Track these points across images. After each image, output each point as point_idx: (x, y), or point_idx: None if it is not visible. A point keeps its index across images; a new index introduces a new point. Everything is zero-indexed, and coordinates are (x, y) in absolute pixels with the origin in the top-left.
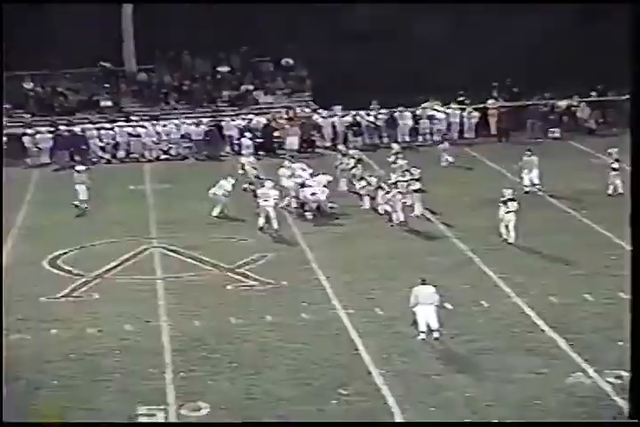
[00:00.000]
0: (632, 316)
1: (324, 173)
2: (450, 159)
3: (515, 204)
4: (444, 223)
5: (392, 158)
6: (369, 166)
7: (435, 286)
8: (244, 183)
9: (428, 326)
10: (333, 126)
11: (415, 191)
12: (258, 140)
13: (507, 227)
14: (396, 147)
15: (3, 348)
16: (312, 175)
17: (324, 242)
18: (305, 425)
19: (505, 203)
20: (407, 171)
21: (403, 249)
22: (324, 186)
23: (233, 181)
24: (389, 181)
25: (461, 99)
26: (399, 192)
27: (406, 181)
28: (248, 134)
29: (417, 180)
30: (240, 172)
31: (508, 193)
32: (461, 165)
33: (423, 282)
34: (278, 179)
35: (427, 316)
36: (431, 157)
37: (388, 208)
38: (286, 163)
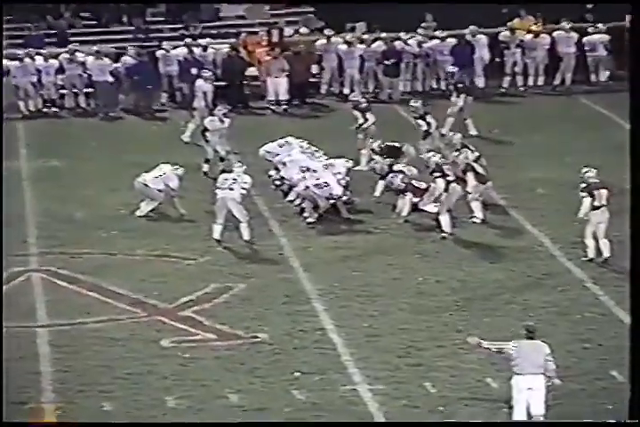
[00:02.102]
0: (632, 315)
1: (340, 157)
2: (473, 131)
3: (604, 193)
4: (541, 232)
5: (422, 126)
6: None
7: (549, 343)
8: (204, 165)
9: (529, 413)
10: (351, 59)
11: (480, 181)
12: (217, 82)
13: (593, 235)
14: (417, 105)
15: (2, 347)
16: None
17: (331, 264)
18: (305, 425)
19: (589, 192)
20: (464, 147)
21: (467, 277)
22: (340, 175)
23: (181, 173)
24: (430, 165)
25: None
26: (448, 181)
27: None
28: (206, 73)
29: (475, 161)
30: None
31: (589, 175)
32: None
33: (529, 334)
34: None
35: (530, 395)
36: (512, 116)
37: (436, 209)
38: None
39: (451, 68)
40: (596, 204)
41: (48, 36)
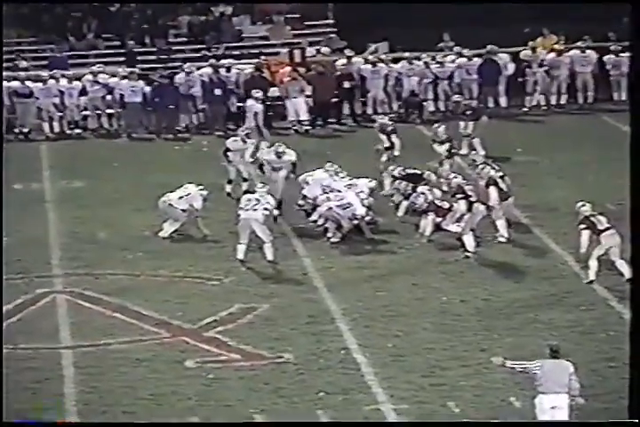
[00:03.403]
0: (632, 314)
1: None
2: (479, 149)
3: (602, 218)
4: (564, 251)
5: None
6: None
7: (573, 362)
8: (227, 185)
9: None
10: (374, 79)
11: (502, 198)
12: (239, 103)
13: (599, 257)
14: (440, 131)
15: (2, 350)
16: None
17: (355, 284)
18: (305, 425)
19: (587, 223)
20: (486, 164)
21: (491, 296)
22: (364, 194)
23: (206, 193)
24: (452, 186)
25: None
26: (470, 202)
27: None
28: (258, 93)
29: (500, 179)
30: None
31: (584, 209)
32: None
33: (554, 353)
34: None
35: (554, 414)
36: (535, 135)
37: (459, 229)
38: (328, 166)
39: (456, 97)
40: (600, 227)
41: (72, 58)
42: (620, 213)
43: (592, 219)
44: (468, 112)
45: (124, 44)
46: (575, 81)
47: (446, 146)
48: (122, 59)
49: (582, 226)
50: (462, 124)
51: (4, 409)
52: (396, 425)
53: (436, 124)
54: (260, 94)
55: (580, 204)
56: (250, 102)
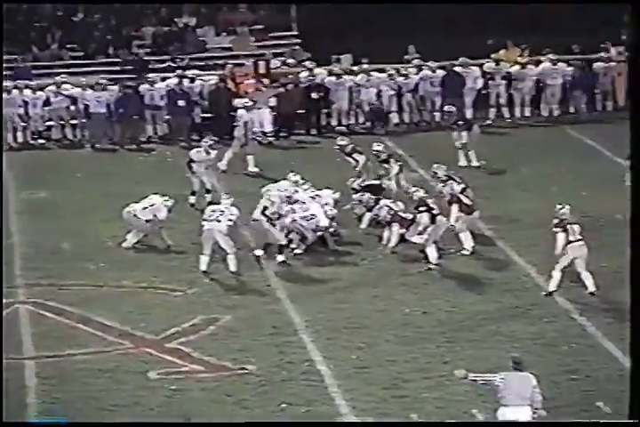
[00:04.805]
0: (631, 313)
1: (327, 188)
2: (474, 161)
3: (577, 228)
4: (527, 263)
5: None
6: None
7: (535, 375)
8: (191, 196)
9: None
10: (339, 91)
11: (466, 212)
12: (203, 114)
13: (563, 269)
14: (379, 148)
15: (2, 349)
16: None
17: (318, 295)
18: (304, 425)
19: (562, 227)
20: (450, 179)
21: (453, 308)
22: (329, 206)
23: (170, 204)
24: (413, 197)
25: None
26: (433, 215)
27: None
28: (248, 102)
29: (461, 193)
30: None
31: (563, 212)
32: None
33: (516, 366)
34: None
35: None
36: (499, 147)
37: (422, 240)
38: (291, 176)
39: (447, 108)
40: (571, 238)
41: (36, 68)
42: (585, 226)
43: (567, 227)
44: (460, 122)
45: (86, 55)
46: (544, 93)
47: (389, 163)
48: (86, 69)
49: (558, 229)
50: (455, 134)
51: (4, 409)
52: (390, 425)
53: (376, 143)
54: (249, 104)
55: (560, 206)
56: (240, 112)
